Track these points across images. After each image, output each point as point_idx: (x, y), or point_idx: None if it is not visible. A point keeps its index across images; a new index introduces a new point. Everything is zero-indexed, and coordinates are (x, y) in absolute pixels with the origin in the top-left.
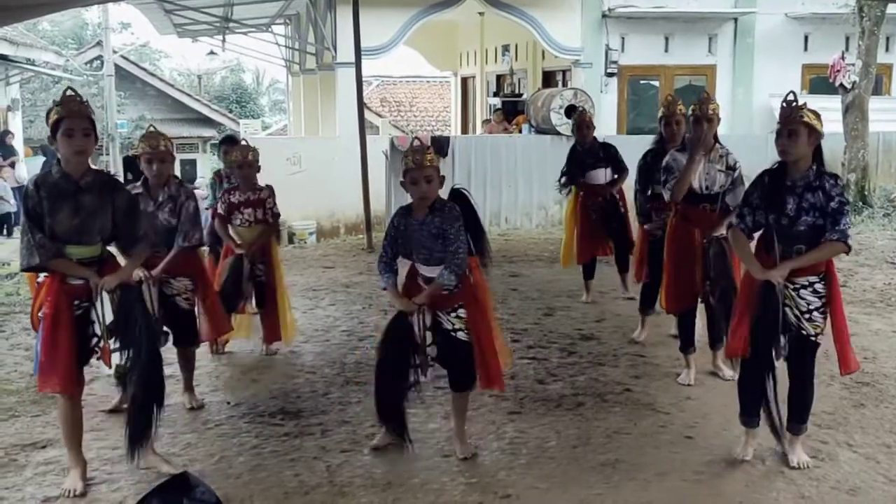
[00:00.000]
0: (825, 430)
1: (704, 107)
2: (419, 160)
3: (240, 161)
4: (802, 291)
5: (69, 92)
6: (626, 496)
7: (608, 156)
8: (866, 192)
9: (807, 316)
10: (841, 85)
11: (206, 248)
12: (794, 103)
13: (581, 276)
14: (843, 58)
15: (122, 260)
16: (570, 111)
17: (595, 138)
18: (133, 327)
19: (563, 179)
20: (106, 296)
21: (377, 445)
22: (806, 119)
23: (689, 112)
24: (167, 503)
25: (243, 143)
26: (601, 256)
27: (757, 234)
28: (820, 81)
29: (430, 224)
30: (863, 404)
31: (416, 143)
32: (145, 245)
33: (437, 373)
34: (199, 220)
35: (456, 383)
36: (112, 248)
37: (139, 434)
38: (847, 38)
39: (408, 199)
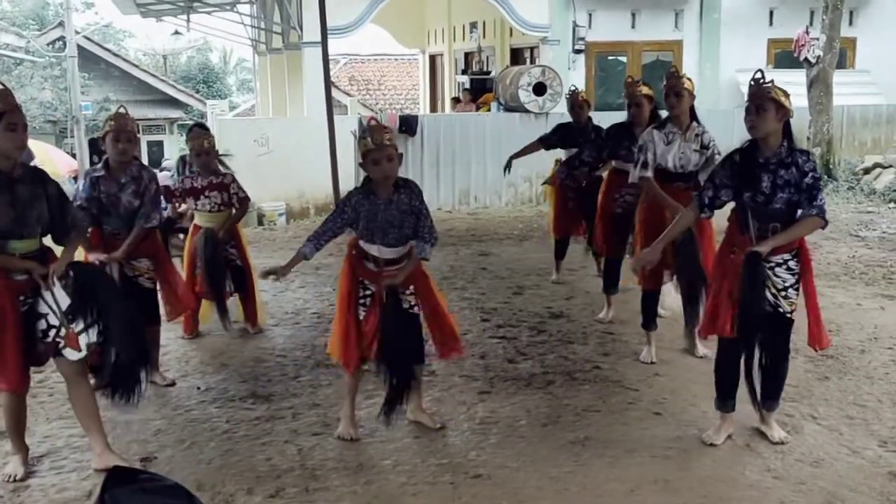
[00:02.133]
0: (790, 403)
1: (674, 81)
2: (379, 140)
3: (197, 149)
4: (778, 269)
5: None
6: (596, 473)
7: (598, 139)
8: (831, 166)
9: (783, 294)
10: (805, 59)
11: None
12: (762, 80)
13: (549, 255)
14: (807, 32)
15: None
16: (539, 89)
17: (590, 118)
18: (97, 301)
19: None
20: (58, 283)
21: (351, 435)
22: (773, 95)
23: (661, 87)
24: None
25: (199, 130)
26: (576, 236)
27: (724, 213)
28: (785, 56)
29: (399, 202)
30: (827, 377)
31: (373, 122)
32: (78, 232)
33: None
34: (160, 202)
35: (414, 356)
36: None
37: (129, 391)
38: (811, 13)
39: None
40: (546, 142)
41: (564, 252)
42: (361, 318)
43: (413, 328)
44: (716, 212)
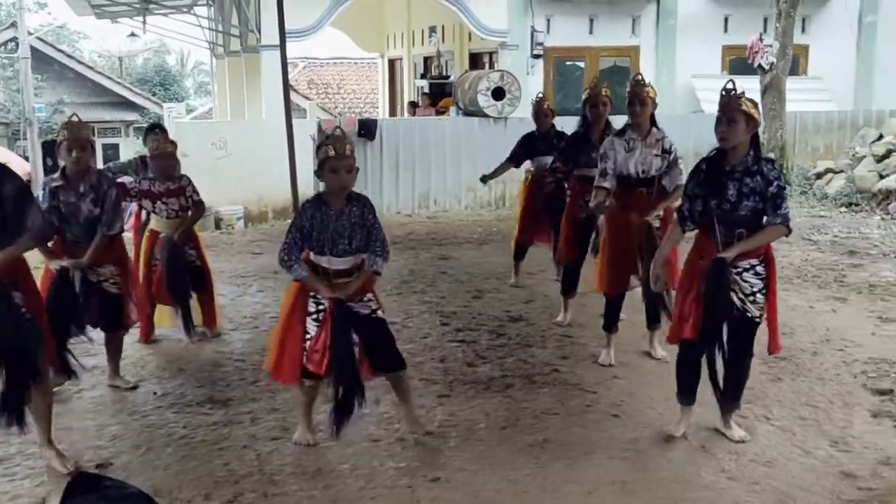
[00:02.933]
0: (745, 404)
1: (638, 89)
2: (341, 150)
3: (155, 152)
4: (745, 274)
5: None
6: (554, 475)
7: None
8: (784, 171)
9: (751, 298)
10: (759, 66)
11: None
12: (734, 91)
13: (508, 259)
14: (760, 39)
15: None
16: (498, 93)
17: (553, 125)
18: None
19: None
20: None
21: (313, 441)
22: (745, 108)
23: (626, 94)
24: None
25: (158, 132)
26: (540, 244)
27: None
28: (740, 62)
29: (351, 214)
30: (780, 378)
31: (338, 131)
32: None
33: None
34: (121, 209)
35: (390, 363)
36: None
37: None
38: (765, 20)
39: None
40: (514, 159)
41: (523, 255)
42: (312, 334)
43: (379, 332)
44: None
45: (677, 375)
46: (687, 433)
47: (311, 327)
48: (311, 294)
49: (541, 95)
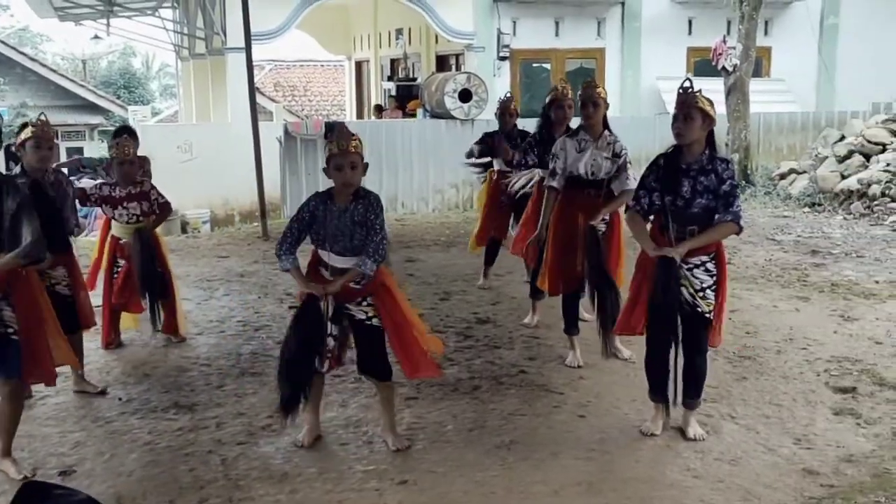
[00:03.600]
0: (710, 403)
1: (589, 90)
2: (344, 146)
3: (120, 157)
4: (696, 271)
5: None
6: (521, 476)
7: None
8: (749, 172)
9: (701, 294)
10: (723, 68)
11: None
12: (690, 89)
13: (476, 261)
14: (724, 41)
15: None
16: (465, 95)
17: (515, 125)
18: None
19: (474, 159)
20: None
21: (307, 442)
22: (701, 105)
23: (577, 96)
24: None
25: (124, 136)
26: (499, 237)
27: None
28: (704, 64)
29: (354, 212)
30: (745, 377)
31: (344, 128)
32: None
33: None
34: (76, 208)
35: (375, 372)
36: None
37: None
38: (729, 23)
39: (299, 186)
40: (484, 154)
41: (493, 259)
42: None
43: (373, 341)
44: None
45: (647, 372)
46: (653, 432)
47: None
48: (319, 298)
49: (508, 95)
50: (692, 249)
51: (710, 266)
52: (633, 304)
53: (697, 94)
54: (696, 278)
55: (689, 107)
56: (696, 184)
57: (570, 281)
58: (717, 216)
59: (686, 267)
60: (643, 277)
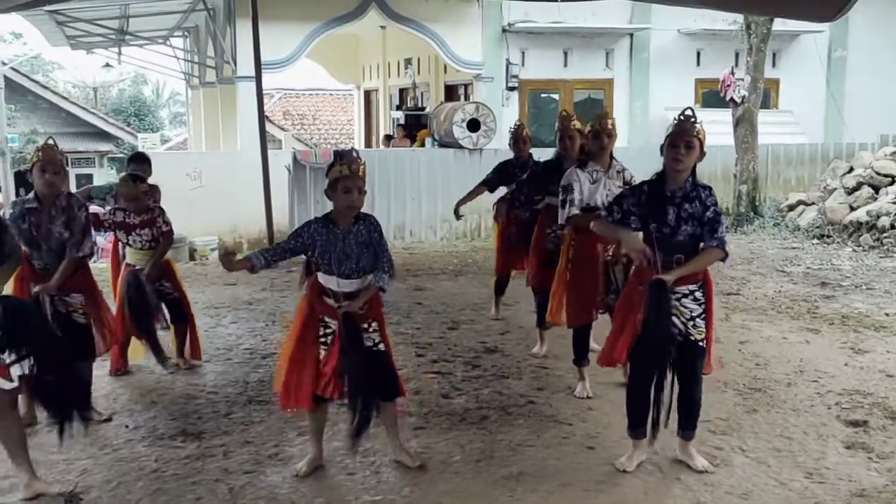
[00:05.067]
0: (720, 436)
1: (604, 121)
2: (355, 169)
3: (130, 195)
4: (684, 300)
5: None
6: None
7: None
8: (757, 203)
9: (691, 323)
10: (731, 99)
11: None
12: (693, 118)
13: (484, 290)
14: (732, 73)
15: None
16: (473, 125)
17: (530, 154)
18: (27, 333)
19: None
20: None
21: (304, 472)
22: (700, 136)
23: (589, 127)
24: None
25: (131, 175)
26: (518, 270)
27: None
28: (712, 95)
29: (358, 234)
30: (755, 410)
31: (353, 152)
32: (12, 262)
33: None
34: (91, 231)
35: (384, 393)
36: None
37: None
38: (737, 54)
39: (307, 214)
40: (489, 184)
41: (504, 289)
42: (322, 356)
43: (381, 365)
44: None
45: (627, 408)
46: (661, 465)
47: (321, 351)
48: (320, 317)
49: (519, 123)
50: (679, 278)
51: (697, 294)
52: (617, 334)
53: (698, 123)
54: (686, 307)
55: (690, 135)
56: (680, 211)
57: (584, 313)
58: (702, 244)
59: (675, 296)
60: (629, 306)
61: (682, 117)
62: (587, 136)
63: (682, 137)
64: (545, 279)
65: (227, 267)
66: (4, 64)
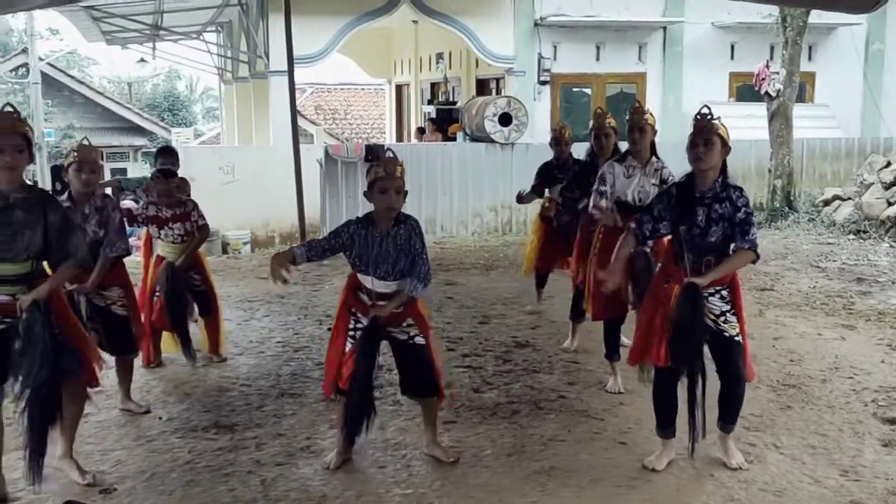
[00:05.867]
0: (753, 432)
1: (637, 116)
2: (391, 170)
3: (163, 191)
4: (711, 298)
5: (7, 108)
6: (561, 503)
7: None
8: (792, 198)
9: (722, 318)
10: (766, 93)
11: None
12: (709, 115)
13: (515, 284)
14: (767, 66)
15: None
16: (505, 119)
17: (570, 154)
18: (30, 347)
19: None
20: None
21: (333, 465)
22: (720, 132)
23: (625, 121)
24: None
25: (160, 172)
26: (560, 270)
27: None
28: (746, 89)
29: (397, 236)
30: (789, 406)
31: (389, 153)
32: (73, 262)
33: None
34: (125, 230)
35: (422, 388)
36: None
37: (36, 454)
38: (772, 47)
39: (339, 208)
40: (536, 191)
41: (545, 282)
42: (348, 349)
43: (415, 358)
44: None
45: (655, 406)
46: (694, 460)
47: (349, 343)
48: (353, 311)
49: (561, 124)
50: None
51: (724, 293)
52: (647, 333)
53: (716, 120)
54: (714, 305)
55: (709, 132)
56: (710, 212)
57: (614, 307)
58: (733, 245)
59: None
60: (656, 306)
61: (698, 116)
62: (617, 132)
63: (701, 136)
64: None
65: (279, 273)
66: (41, 60)
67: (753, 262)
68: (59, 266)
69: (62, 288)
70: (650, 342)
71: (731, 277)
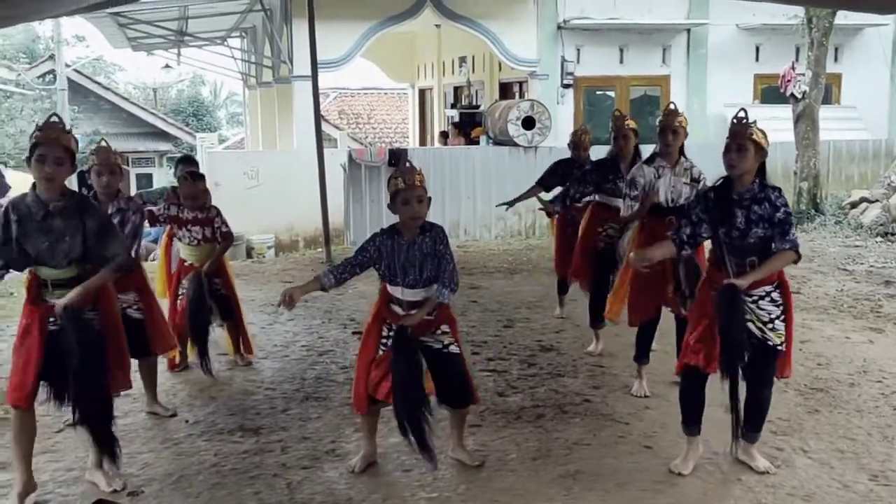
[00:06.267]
0: (781, 436)
1: (671, 118)
2: (411, 181)
3: (186, 193)
4: (761, 302)
5: (53, 118)
6: None
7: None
8: (818, 200)
9: (769, 326)
10: (792, 94)
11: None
12: (745, 120)
13: (539, 288)
14: (793, 68)
15: None
16: (528, 123)
17: (588, 157)
18: (70, 348)
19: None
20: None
21: (358, 468)
22: (755, 137)
23: (657, 123)
24: None
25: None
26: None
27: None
28: (772, 91)
29: (423, 244)
30: (817, 410)
31: (407, 163)
32: (112, 267)
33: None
34: (139, 234)
35: (457, 398)
36: None
37: (108, 449)
38: (797, 49)
39: (363, 212)
40: (544, 183)
41: (567, 287)
42: (377, 358)
43: (450, 367)
44: None
45: (682, 404)
46: (721, 464)
47: (380, 351)
48: (386, 321)
49: (582, 128)
50: (754, 281)
51: (775, 296)
52: (695, 339)
53: (752, 124)
54: (763, 310)
55: (742, 138)
56: (749, 213)
57: (648, 310)
58: (773, 245)
59: (750, 300)
60: (702, 314)
61: (734, 120)
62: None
63: (734, 140)
64: (596, 280)
65: (292, 297)
66: (68, 66)
67: (795, 262)
68: (99, 271)
69: (112, 294)
70: (693, 349)
71: (780, 279)
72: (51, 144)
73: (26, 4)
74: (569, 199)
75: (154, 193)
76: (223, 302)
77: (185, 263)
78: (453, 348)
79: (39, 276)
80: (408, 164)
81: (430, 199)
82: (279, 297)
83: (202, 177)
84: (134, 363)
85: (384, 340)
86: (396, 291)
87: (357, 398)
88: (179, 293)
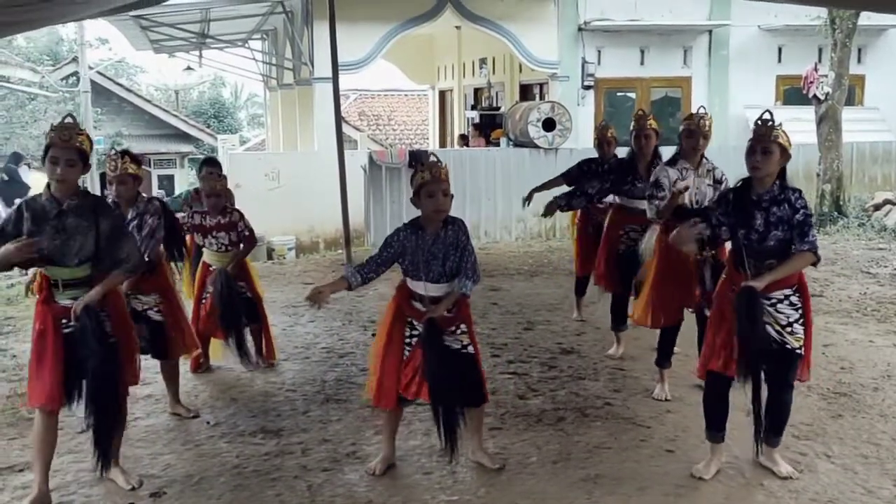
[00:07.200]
0: (804, 441)
1: (702, 121)
2: (437, 174)
3: (208, 191)
4: (780, 305)
5: (67, 119)
6: None
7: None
8: (841, 202)
9: (788, 329)
10: (814, 96)
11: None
12: (770, 122)
13: (559, 290)
14: (816, 69)
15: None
16: (549, 124)
17: (615, 155)
18: (85, 350)
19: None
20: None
21: (378, 471)
22: (780, 140)
23: (683, 126)
24: None
25: (210, 167)
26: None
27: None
28: (794, 92)
29: (445, 237)
30: (840, 415)
31: (432, 157)
32: (124, 269)
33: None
34: (158, 236)
35: (472, 397)
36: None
37: (104, 455)
38: (820, 50)
39: (383, 214)
40: (568, 176)
41: (584, 289)
42: (405, 357)
43: (468, 369)
44: None
45: (705, 409)
46: (744, 469)
47: (406, 351)
48: (408, 318)
49: (604, 123)
50: (772, 283)
51: (794, 299)
52: (715, 342)
53: (777, 127)
54: (781, 313)
55: (768, 140)
56: (769, 215)
57: (675, 313)
58: (793, 247)
59: (769, 302)
60: (722, 316)
61: (758, 122)
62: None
63: (759, 143)
64: (617, 283)
65: (321, 295)
66: (91, 68)
67: (814, 264)
68: (111, 272)
69: (120, 292)
70: (718, 353)
71: (799, 281)
72: (63, 147)
73: (53, 8)
74: (581, 194)
75: (177, 201)
76: (248, 305)
77: (211, 268)
78: (470, 349)
79: (50, 276)
80: (432, 157)
81: (452, 196)
82: (307, 295)
83: (221, 168)
84: (156, 364)
85: (408, 341)
86: (419, 287)
87: (383, 394)
88: (203, 297)
